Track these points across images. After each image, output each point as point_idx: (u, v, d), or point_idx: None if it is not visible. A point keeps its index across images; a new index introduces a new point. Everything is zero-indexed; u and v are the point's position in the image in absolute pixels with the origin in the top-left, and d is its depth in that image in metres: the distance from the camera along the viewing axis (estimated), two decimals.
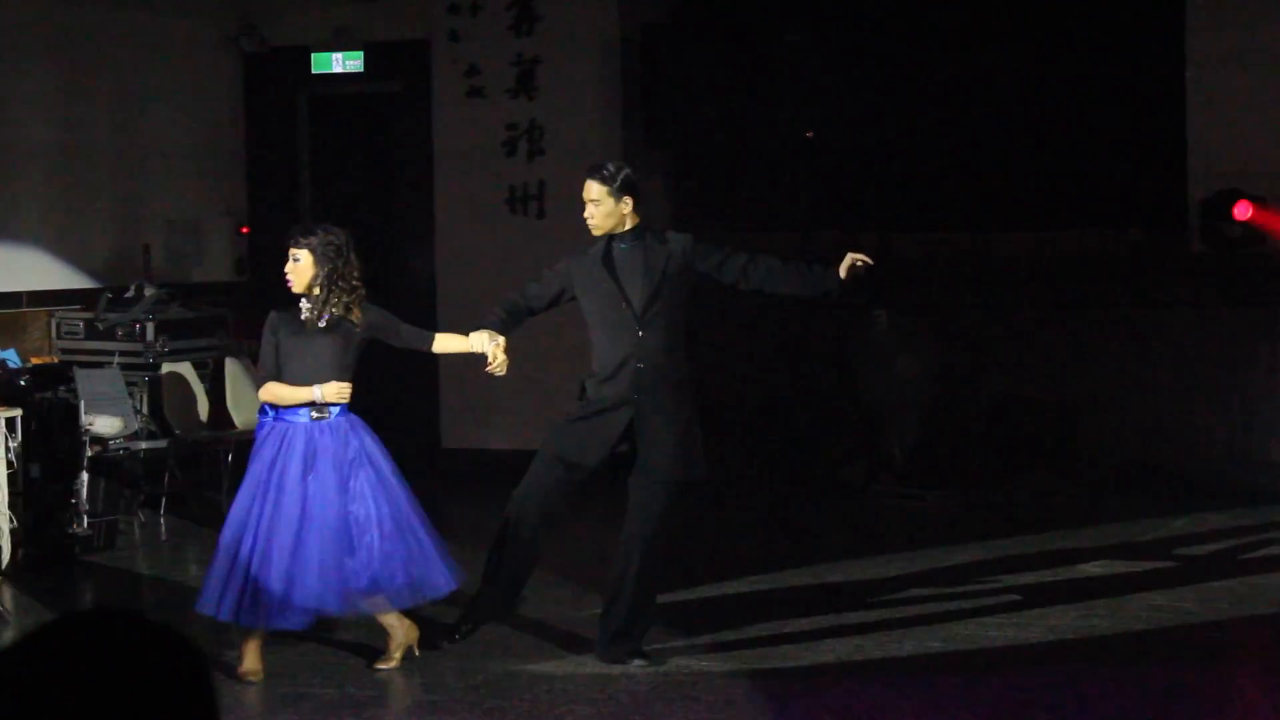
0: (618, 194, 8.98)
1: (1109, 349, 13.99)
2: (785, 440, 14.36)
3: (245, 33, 15.55)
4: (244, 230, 15.70)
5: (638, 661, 8.97)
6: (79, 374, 12.19)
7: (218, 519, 11.12)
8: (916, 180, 14.40)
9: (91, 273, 14.35)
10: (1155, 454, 13.74)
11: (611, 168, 9.06)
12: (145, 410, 13.17)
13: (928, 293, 14.37)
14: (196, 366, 13.73)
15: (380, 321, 8.97)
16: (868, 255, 9.01)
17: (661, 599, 10.36)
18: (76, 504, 11.93)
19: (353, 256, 8.83)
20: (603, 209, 9.00)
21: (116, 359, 13.37)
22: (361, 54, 15.55)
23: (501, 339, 8.96)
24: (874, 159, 14.49)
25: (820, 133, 14.35)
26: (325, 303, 8.77)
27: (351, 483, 8.69)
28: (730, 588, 10.88)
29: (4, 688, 2.29)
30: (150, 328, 13.55)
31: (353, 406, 8.86)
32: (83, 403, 11.94)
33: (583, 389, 9.19)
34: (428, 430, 14.97)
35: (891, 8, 14.33)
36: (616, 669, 8.94)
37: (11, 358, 12.23)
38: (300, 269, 8.80)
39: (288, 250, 8.86)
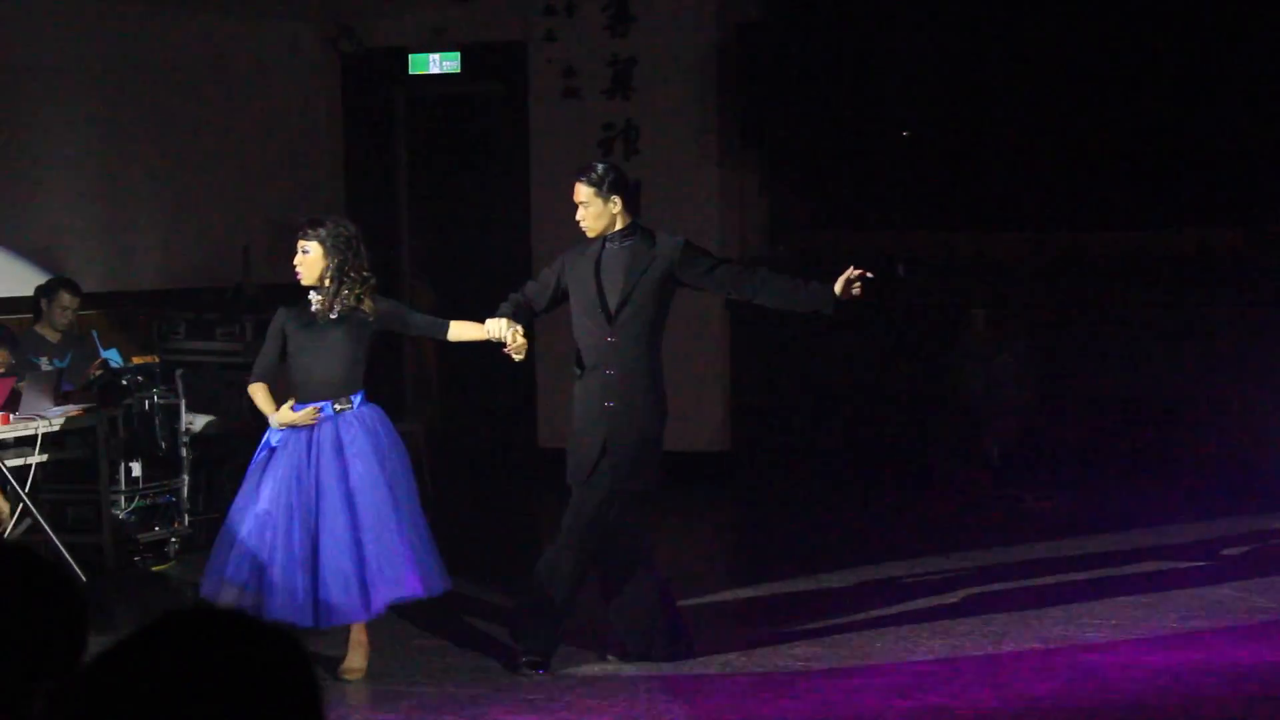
0: (605, 194, 8.94)
1: (1210, 348, 13.86)
2: (882, 439, 14.31)
3: (343, 34, 15.61)
4: None
5: (534, 670, 8.88)
6: (180, 374, 12.29)
7: None
8: (1014, 179, 14.31)
9: (192, 273, 14.45)
10: (1257, 455, 13.60)
11: (599, 169, 9.01)
12: (246, 410, 13.22)
13: (1025, 292, 14.27)
14: None
15: (392, 311, 8.96)
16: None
17: (757, 594, 10.39)
18: (177, 503, 12.03)
19: (362, 248, 8.84)
20: (592, 210, 8.97)
21: (217, 359, 13.45)
22: (458, 55, 15.58)
23: (519, 326, 8.91)
24: (971, 158, 14.42)
25: (916, 132, 14.28)
26: (336, 294, 8.76)
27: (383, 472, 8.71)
28: (826, 583, 10.86)
29: (110, 685, 2.29)
30: (250, 328, 13.62)
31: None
32: (183, 402, 12.03)
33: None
34: (524, 429, 14.99)
35: (989, 6, 14.25)
36: (714, 668, 8.93)
37: (114, 357, 12.33)
38: (310, 261, 8.79)
39: (296, 243, 8.84)
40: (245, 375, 13.26)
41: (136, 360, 12.30)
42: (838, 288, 8.73)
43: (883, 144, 14.40)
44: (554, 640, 8.98)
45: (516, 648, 9.00)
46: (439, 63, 15.65)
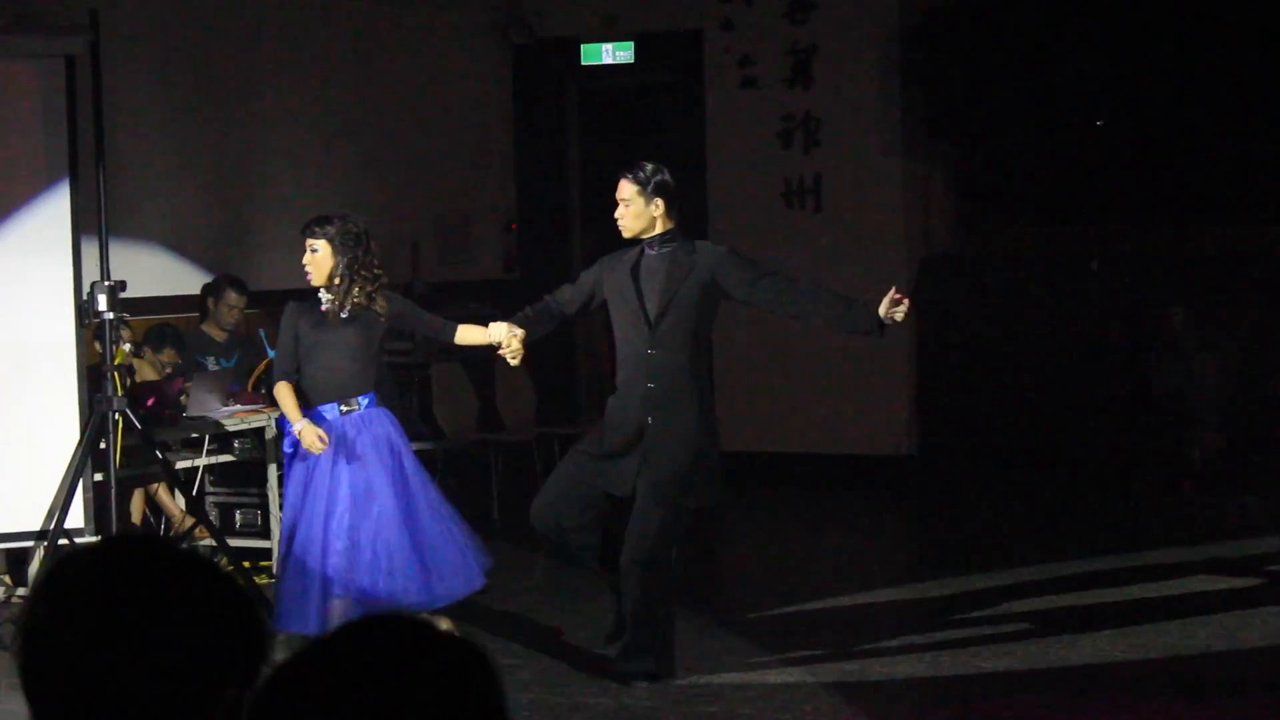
0: (649, 196, 8.68)
1: None
2: (1076, 442, 13.90)
3: (514, 24, 15.48)
4: (513, 226, 15.58)
5: (642, 684, 8.60)
6: None
7: (485, 524, 11.03)
8: (1215, 171, 13.84)
9: None
10: None
11: (647, 169, 8.75)
12: (416, 411, 13.04)
13: (1227, 288, 13.81)
14: (467, 366, 13.57)
15: (403, 310, 8.95)
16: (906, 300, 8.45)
17: (938, 600, 10.32)
18: None
19: (372, 244, 8.81)
20: (633, 209, 8.71)
21: (387, 358, 13.24)
22: (632, 45, 15.38)
23: (520, 331, 8.75)
24: (1169, 148, 13.96)
25: (1111, 121, 13.86)
26: (347, 293, 8.73)
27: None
28: (1012, 588, 10.62)
29: (294, 695, 2.28)
30: None
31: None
32: None
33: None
34: None
35: None
36: (899, 674, 8.82)
37: None
38: (319, 260, 8.78)
39: (304, 242, 8.83)
40: (414, 374, 13.14)
41: None
42: (881, 310, 8.42)
43: (1075, 134, 14.01)
44: (662, 656, 8.71)
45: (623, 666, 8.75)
46: (612, 53, 15.45)
